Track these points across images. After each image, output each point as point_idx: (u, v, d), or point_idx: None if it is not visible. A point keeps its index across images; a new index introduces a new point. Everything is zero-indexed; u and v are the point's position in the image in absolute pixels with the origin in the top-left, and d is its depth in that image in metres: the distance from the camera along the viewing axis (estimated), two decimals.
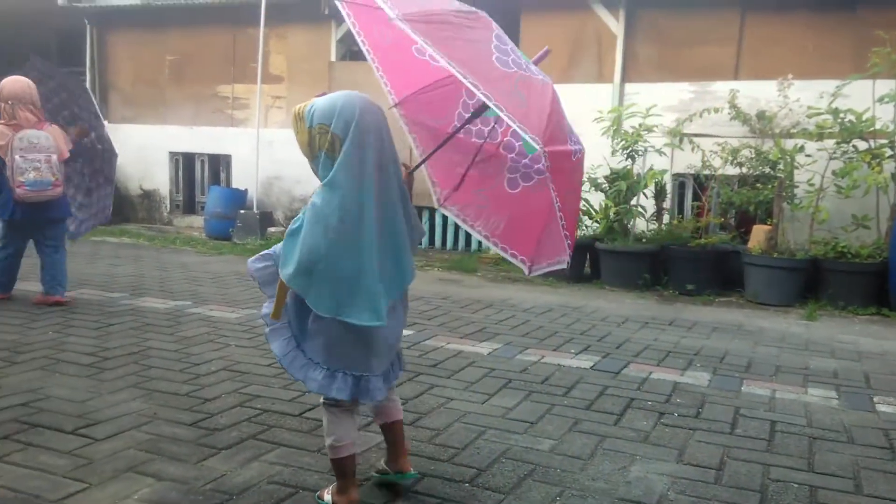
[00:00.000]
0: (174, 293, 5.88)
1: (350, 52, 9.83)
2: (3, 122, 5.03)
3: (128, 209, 10.94)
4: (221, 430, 3.10)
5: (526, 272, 2.67)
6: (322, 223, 2.24)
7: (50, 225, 5.24)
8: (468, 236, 9.19)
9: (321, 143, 2.29)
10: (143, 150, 10.70)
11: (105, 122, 5.92)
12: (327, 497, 2.50)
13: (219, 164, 10.53)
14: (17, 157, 4.96)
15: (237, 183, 10.07)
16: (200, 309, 5.35)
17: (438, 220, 9.28)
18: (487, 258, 8.22)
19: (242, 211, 9.36)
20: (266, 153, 9.55)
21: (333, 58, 9.62)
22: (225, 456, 2.85)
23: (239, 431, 3.09)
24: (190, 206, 10.81)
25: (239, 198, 9.58)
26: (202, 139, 10.47)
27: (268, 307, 2.42)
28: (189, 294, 5.86)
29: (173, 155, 10.69)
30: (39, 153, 5.04)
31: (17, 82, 5.10)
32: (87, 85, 11.01)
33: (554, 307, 5.95)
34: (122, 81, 11.08)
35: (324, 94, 2.38)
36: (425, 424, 3.27)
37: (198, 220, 10.31)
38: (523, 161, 2.74)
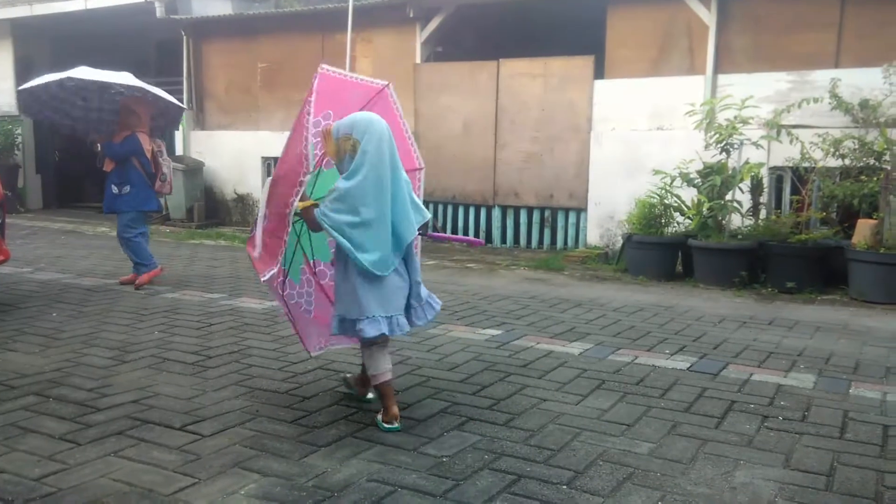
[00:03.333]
0: (269, 294, 6.05)
1: (434, 53, 9.90)
2: (145, 131, 6.16)
3: (223, 213, 11.35)
4: (320, 428, 3.17)
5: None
6: (355, 199, 3.02)
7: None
8: (553, 235, 9.11)
9: (346, 148, 3.08)
10: (238, 155, 11.08)
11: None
12: (379, 417, 3.21)
13: None
14: (161, 159, 6.24)
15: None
16: None
17: (524, 220, 9.24)
18: (574, 257, 8.13)
19: None
20: None
21: (418, 59, 9.70)
22: (325, 453, 2.91)
23: (337, 429, 3.16)
24: None
25: None
26: None
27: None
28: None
29: (265, 160, 11.01)
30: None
31: (137, 99, 6.15)
32: (184, 94, 11.50)
33: (645, 306, 5.82)
34: (217, 89, 11.50)
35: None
36: (519, 425, 3.25)
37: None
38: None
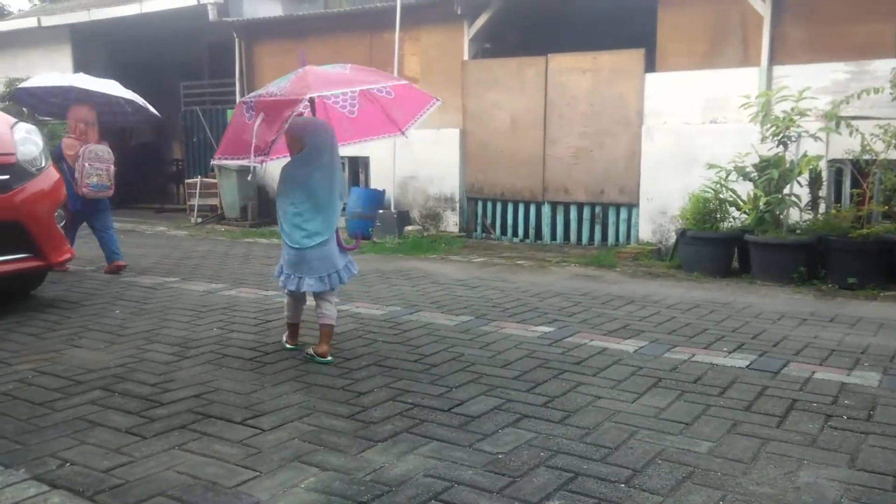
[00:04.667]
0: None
1: (482, 49, 9.89)
2: (74, 136, 6.64)
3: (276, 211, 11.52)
4: (376, 423, 3.20)
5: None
6: (287, 184, 4.02)
7: (100, 214, 6.89)
8: (604, 231, 9.03)
9: (296, 146, 4.01)
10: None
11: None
12: (287, 345, 4.37)
13: (358, 166, 10.89)
14: (86, 164, 6.51)
15: (375, 183, 10.36)
16: (348, 306, 5.55)
17: (573, 216, 9.17)
18: (626, 253, 8.04)
19: (381, 210, 9.63)
20: (402, 154, 9.75)
21: (466, 56, 9.71)
22: (382, 448, 2.94)
23: (393, 425, 3.19)
24: None
25: (378, 198, 9.84)
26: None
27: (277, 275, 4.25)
28: (336, 292, 6.07)
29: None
30: (101, 163, 6.64)
31: (84, 108, 6.72)
32: (237, 95, 11.72)
33: (701, 303, 5.73)
34: None
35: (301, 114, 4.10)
36: (574, 423, 3.23)
37: (340, 221, 10.69)
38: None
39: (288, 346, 4.37)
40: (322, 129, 4.05)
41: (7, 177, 5.01)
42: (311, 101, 4.17)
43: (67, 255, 5.50)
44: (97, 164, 6.57)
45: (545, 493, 2.57)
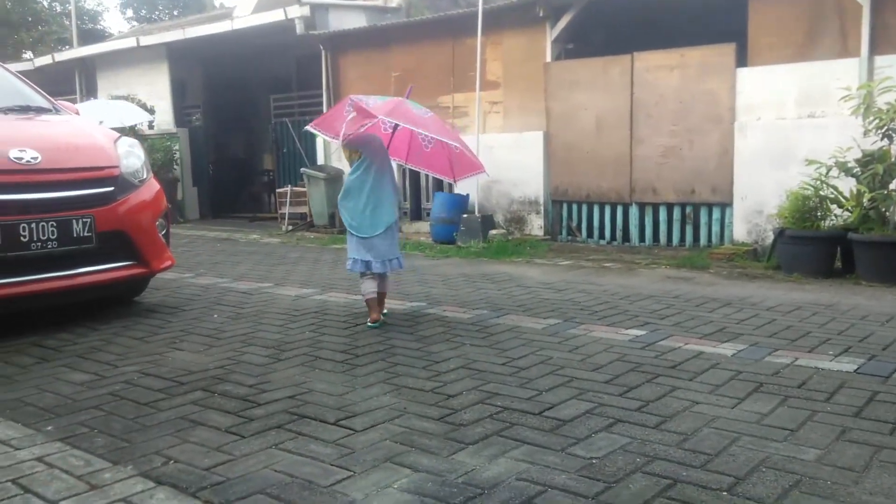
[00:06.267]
0: (409, 295, 6.19)
1: (565, 50, 9.79)
2: None
3: None
4: (466, 426, 3.19)
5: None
6: (350, 188, 4.96)
7: None
8: (695, 232, 8.77)
9: (355, 157, 4.98)
10: None
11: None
12: (368, 321, 5.03)
13: None
14: None
15: (459, 188, 10.38)
16: (435, 310, 5.58)
17: (663, 217, 8.95)
18: (719, 254, 7.78)
19: (465, 215, 9.66)
20: (485, 158, 9.64)
21: (548, 58, 9.63)
22: (472, 451, 2.93)
23: (483, 427, 3.17)
24: (416, 213, 11.37)
25: (461, 203, 9.90)
26: None
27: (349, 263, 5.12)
28: (423, 296, 6.14)
29: (401, 165, 11.26)
30: None
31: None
32: (324, 107, 12.01)
33: (802, 305, 5.47)
34: None
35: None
36: (671, 428, 3.13)
37: (424, 226, 10.80)
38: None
39: (370, 324, 5.01)
40: (372, 140, 4.96)
41: (112, 188, 5.27)
42: (395, 126, 5.06)
43: (168, 263, 5.73)
44: None
45: (643, 500, 2.50)
